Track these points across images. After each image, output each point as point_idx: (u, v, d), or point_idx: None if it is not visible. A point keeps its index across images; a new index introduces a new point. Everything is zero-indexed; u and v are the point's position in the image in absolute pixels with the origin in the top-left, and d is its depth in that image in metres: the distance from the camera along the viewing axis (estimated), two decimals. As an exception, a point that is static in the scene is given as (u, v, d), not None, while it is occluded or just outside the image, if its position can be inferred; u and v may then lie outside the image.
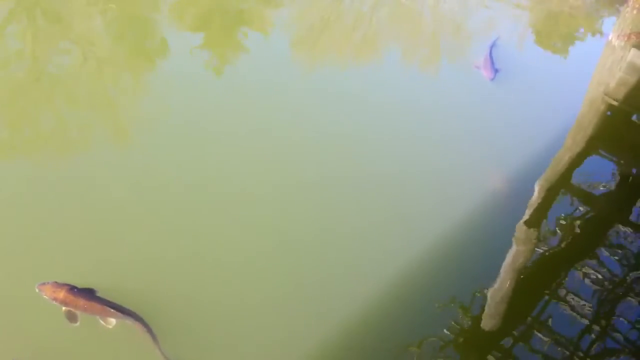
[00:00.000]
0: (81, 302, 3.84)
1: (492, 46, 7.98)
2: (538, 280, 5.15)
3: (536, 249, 5.37)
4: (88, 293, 3.90)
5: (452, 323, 4.50)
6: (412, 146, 6.11)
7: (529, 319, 4.74)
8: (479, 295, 4.78)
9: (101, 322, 3.87)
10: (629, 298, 5.07)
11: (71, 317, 3.84)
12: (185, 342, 3.92)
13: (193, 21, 8.07)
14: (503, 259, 5.14)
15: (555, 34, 10.05)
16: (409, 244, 4.96)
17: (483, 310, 4.70)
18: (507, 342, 4.57)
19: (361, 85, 7.02)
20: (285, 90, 6.61)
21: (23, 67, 6.41)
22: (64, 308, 3.84)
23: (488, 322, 4.64)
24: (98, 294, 3.93)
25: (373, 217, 5.15)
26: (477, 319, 4.63)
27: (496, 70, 7.45)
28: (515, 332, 4.64)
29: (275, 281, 4.43)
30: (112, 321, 3.88)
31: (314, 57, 7.97)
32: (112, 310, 3.85)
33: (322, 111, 6.36)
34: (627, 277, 5.29)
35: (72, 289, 3.86)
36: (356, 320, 4.30)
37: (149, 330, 3.87)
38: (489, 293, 4.81)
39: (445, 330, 4.43)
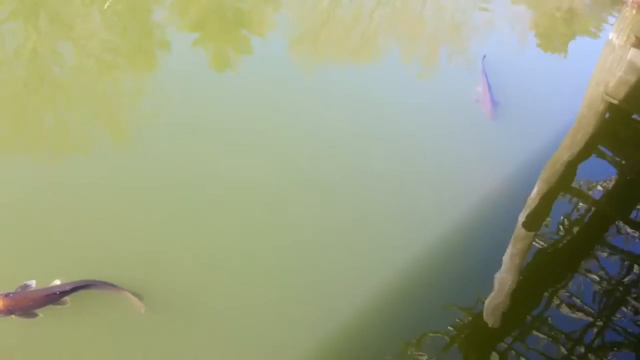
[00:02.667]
0: (25, 301, 3.75)
1: (485, 71, 7.30)
2: (538, 280, 5.16)
3: (536, 248, 5.38)
4: (25, 290, 3.82)
5: (453, 322, 4.50)
6: (411, 145, 6.11)
7: (530, 317, 4.75)
8: (479, 294, 4.79)
9: (56, 306, 3.82)
10: (629, 297, 5.08)
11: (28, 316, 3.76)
12: (185, 342, 3.93)
13: (193, 20, 8.08)
14: (503, 258, 5.15)
15: (555, 33, 10.05)
16: (409, 243, 4.97)
17: (483, 309, 4.71)
18: (508, 340, 4.58)
19: (360, 84, 7.02)
20: (285, 90, 6.62)
21: (23, 67, 6.41)
22: (13, 316, 3.73)
23: (489, 322, 4.65)
24: (33, 286, 3.86)
25: (373, 216, 5.16)
26: (478, 318, 4.64)
27: (496, 104, 6.82)
28: (515, 331, 4.65)
29: (274, 281, 4.44)
30: (66, 300, 3.84)
31: (313, 56, 7.98)
32: (59, 292, 3.82)
33: (322, 110, 6.37)
34: (627, 276, 5.30)
35: (7, 295, 3.75)
36: (356, 320, 4.31)
37: (104, 285, 3.89)
38: (489, 292, 4.82)
39: (446, 330, 4.44)
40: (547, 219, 5.78)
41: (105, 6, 7.38)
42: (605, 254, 5.46)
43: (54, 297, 3.83)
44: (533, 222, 5.59)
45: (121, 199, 4.80)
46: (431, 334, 4.38)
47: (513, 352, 4.48)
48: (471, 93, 7.12)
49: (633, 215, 6.22)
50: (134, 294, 3.98)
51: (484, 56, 7.64)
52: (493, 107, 6.75)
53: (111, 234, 4.48)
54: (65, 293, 3.85)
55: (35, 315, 3.78)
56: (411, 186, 5.58)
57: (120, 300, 4.01)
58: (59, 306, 3.84)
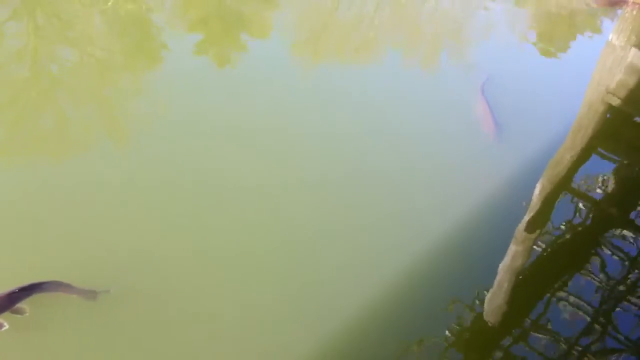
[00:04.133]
0: None
1: (485, 91, 6.92)
2: (538, 280, 5.15)
3: (536, 249, 5.36)
4: None
5: (454, 323, 4.49)
6: (411, 145, 6.11)
7: (529, 318, 4.73)
8: (479, 295, 4.77)
9: (16, 315, 3.73)
10: (630, 298, 5.07)
11: None
12: (184, 342, 3.91)
13: (193, 21, 8.08)
14: (503, 258, 5.14)
15: (555, 33, 10.05)
16: (408, 243, 4.95)
17: (483, 310, 4.69)
18: (508, 341, 4.56)
19: (361, 85, 7.02)
20: (285, 90, 6.61)
21: (22, 67, 6.40)
22: None
23: (489, 322, 4.63)
24: None
25: (373, 217, 5.14)
26: (478, 319, 4.62)
27: (499, 126, 6.41)
28: (515, 332, 4.64)
29: (273, 280, 4.42)
30: (25, 309, 3.75)
31: (314, 57, 7.97)
32: (16, 292, 3.73)
33: (322, 110, 6.37)
34: (628, 277, 5.29)
35: None
36: (356, 321, 4.29)
37: (55, 286, 3.84)
38: (489, 293, 4.81)
39: (446, 330, 4.42)
40: (549, 219, 5.77)
41: (109, 4, 7.38)
42: (606, 255, 5.45)
43: (10, 301, 3.70)
44: (534, 223, 5.58)
45: (120, 199, 4.79)
46: (432, 335, 4.37)
47: (513, 353, 4.46)
48: (472, 93, 7.12)
49: (634, 215, 6.21)
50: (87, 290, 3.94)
51: (487, 77, 7.31)
52: (496, 129, 6.46)
53: (110, 234, 4.47)
54: (22, 296, 3.74)
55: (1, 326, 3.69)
56: (412, 186, 5.57)
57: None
58: (18, 315, 3.74)
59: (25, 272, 4.01)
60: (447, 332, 4.42)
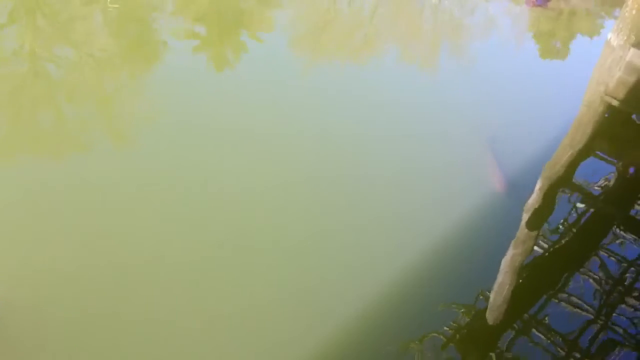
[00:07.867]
0: None
1: (493, 149, 6.46)
2: (537, 280, 5.16)
3: (535, 248, 5.37)
4: None
5: (452, 323, 4.49)
6: (411, 145, 6.11)
7: (529, 317, 4.74)
8: (478, 295, 4.78)
9: None
10: (629, 297, 5.07)
11: None
12: (185, 342, 3.92)
13: (193, 20, 8.07)
14: (503, 258, 5.14)
15: (555, 33, 10.06)
16: (408, 243, 4.96)
17: (482, 310, 4.70)
18: (508, 341, 4.57)
19: (360, 84, 7.03)
20: (285, 89, 6.61)
21: (21, 67, 6.39)
22: None
23: (489, 322, 4.64)
24: None
25: (372, 216, 5.15)
26: (478, 319, 4.63)
27: (509, 183, 6.02)
28: (515, 332, 4.65)
29: (272, 281, 4.42)
30: None
31: (314, 56, 7.97)
32: None
33: (321, 110, 6.37)
34: (627, 277, 5.30)
35: None
36: (356, 321, 4.30)
37: None
38: (490, 293, 4.81)
39: (445, 330, 4.43)
40: (548, 218, 5.78)
41: (109, 5, 7.38)
42: (605, 254, 5.46)
43: None
44: (534, 222, 5.59)
45: (118, 198, 4.79)
46: (432, 334, 4.37)
47: (514, 353, 4.47)
48: (471, 92, 7.12)
49: (633, 214, 6.22)
50: None
51: (492, 139, 6.69)
52: (504, 184, 5.98)
53: (110, 236, 4.47)
54: None
55: None
56: (411, 186, 5.58)
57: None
58: None
59: (23, 273, 4.02)
60: (447, 332, 4.42)
